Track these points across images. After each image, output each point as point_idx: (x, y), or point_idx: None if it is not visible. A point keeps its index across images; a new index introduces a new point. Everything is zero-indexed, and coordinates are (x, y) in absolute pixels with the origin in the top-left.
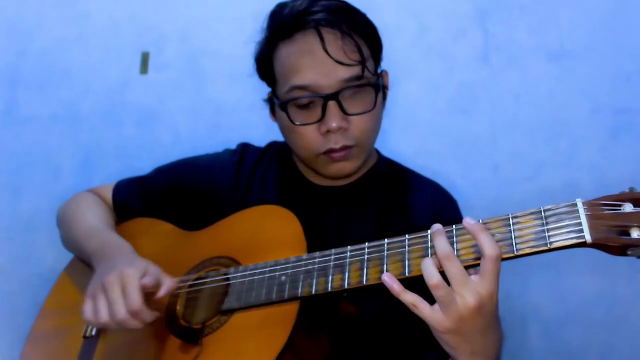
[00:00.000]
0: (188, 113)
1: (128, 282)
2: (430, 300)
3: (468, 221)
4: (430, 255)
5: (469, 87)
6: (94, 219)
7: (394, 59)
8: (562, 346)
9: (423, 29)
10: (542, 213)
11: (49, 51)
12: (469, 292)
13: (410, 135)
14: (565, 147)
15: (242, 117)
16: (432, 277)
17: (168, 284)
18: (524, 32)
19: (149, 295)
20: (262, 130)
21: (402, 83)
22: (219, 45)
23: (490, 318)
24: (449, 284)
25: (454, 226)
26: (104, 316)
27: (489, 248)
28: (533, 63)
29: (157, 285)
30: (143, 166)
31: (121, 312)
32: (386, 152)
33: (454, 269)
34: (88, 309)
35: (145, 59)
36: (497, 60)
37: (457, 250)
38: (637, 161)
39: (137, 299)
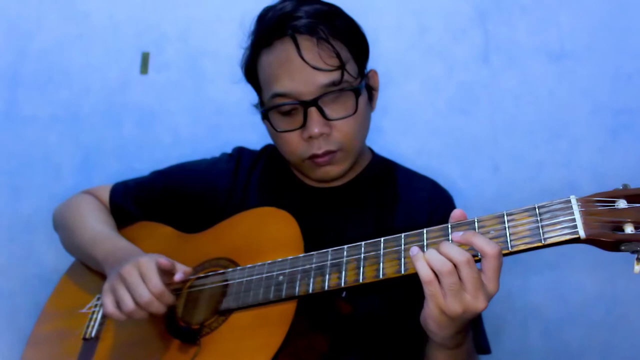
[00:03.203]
0: (188, 113)
1: (146, 268)
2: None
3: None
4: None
5: (468, 87)
6: (99, 224)
7: (394, 59)
8: (562, 346)
9: (423, 29)
10: (537, 210)
11: (49, 51)
12: (483, 296)
13: (410, 135)
14: (565, 147)
15: (242, 118)
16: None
17: (184, 269)
18: (524, 32)
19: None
20: (262, 131)
21: (401, 83)
22: (219, 45)
23: None
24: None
25: (449, 225)
26: (128, 303)
27: (488, 247)
28: (533, 63)
29: (173, 269)
30: (143, 166)
31: (145, 294)
32: (386, 153)
33: (474, 273)
34: (108, 303)
35: (145, 59)
36: (497, 60)
37: None
38: (637, 161)
39: (157, 281)
